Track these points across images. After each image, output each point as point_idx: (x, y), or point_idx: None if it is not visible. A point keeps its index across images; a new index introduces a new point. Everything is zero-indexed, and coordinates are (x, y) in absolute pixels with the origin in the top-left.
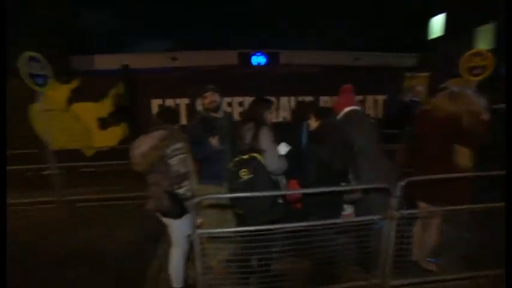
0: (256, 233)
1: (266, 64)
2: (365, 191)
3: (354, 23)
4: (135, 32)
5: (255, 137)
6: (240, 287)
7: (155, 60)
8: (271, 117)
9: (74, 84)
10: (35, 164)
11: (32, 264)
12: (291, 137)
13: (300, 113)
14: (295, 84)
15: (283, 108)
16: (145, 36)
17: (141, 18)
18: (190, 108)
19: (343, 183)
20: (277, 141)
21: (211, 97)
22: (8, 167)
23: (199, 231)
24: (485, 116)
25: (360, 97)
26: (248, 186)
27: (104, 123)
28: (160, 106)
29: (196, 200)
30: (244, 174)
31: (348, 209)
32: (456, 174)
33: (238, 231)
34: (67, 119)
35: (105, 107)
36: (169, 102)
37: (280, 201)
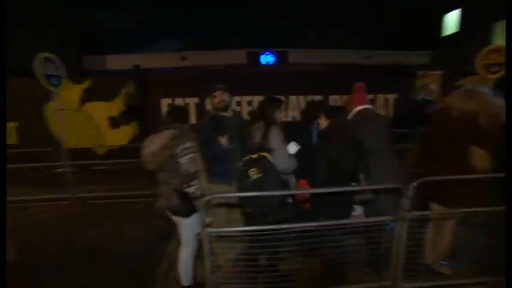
0: (265, 232)
1: (275, 63)
2: (375, 192)
3: (363, 20)
4: (145, 32)
5: (265, 136)
6: (248, 286)
7: (165, 60)
8: (281, 116)
9: (86, 84)
10: (49, 162)
11: (43, 260)
12: (300, 136)
13: (310, 112)
14: (304, 83)
15: (292, 108)
16: (156, 37)
17: (151, 19)
18: (200, 107)
19: (353, 184)
20: (287, 141)
21: (220, 96)
22: (23, 165)
23: (209, 230)
24: (503, 116)
25: (371, 96)
26: (257, 185)
27: (115, 122)
28: (169, 105)
29: (205, 198)
30: (254, 174)
31: (358, 210)
32: (471, 176)
33: (248, 231)
34: (80, 118)
35: (116, 107)
36: (179, 101)
37: (290, 200)
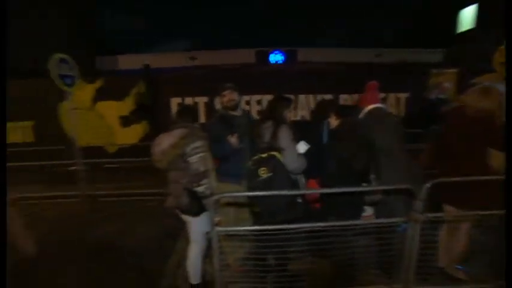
0: (274, 232)
1: (284, 62)
2: (386, 192)
3: (374, 18)
4: (156, 32)
5: (274, 135)
6: (256, 286)
7: (175, 60)
8: (291, 115)
9: (98, 83)
10: (63, 160)
11: (53, 257)
12: (310, 136)
13: (320, 111)
14: (314, 82)
15: (301, 107)
16: (166, 37)
17: (161, 19)
18: (209, 106)
19: (364, 184)
20: (296, 140)
21: (229, 95)
22: (36, 162)
23: (218, 228)
24: None
25: (382, 95)
26: (267, 184)
27: (126, 121)
28: (179, 104)
29: (214, 197)
30: (263, 173)
31: (368, 210)
32: (488, 177)
33: (257, 230)
34: (92, 117)
35: (127, 106)
36: (188, 100)
37: (299, 200)
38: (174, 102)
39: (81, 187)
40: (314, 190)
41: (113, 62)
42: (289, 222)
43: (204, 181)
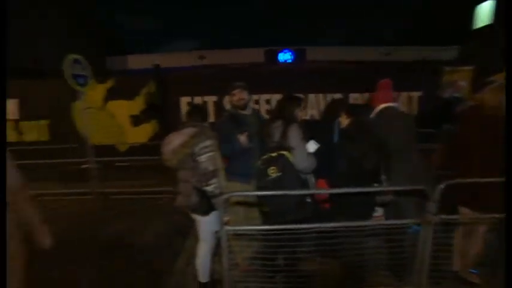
0: (283, 231)
1: (293, 61)
2: (397, 193)
3: (383, 14)
4: (165, 32)
5: (284, 134)
6: (264, 285)
7: (184, 59)
8: (300, 114)
9: (110, 83)
10: (75, 158)
11: (64, 253)
12: (319, 135)
13: (331, 110)
14: (323, 81)
15: (311, 106)
16: (175, 37)
17: (170, 19)
18: (218, 105)
19: (375, 184)
20: (306, 139)
21: (239, 94)
22: (49, 160)
23: (227, 228)
24: None
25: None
26: (276, 184)
27: (136, 120)
28: (189, 104)
29: (224, 196)
30: (273, 172)
31: (379, 211)
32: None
33: (266, 230)
34: (103, 117)
35: (137, 105)
36: (198, 99)
37: (309, 200)
38: (184, 101)
39: (92, 185)
40: (324, 190)
41: (123, 62)
42: (298, 222)
43: (213, 180)
